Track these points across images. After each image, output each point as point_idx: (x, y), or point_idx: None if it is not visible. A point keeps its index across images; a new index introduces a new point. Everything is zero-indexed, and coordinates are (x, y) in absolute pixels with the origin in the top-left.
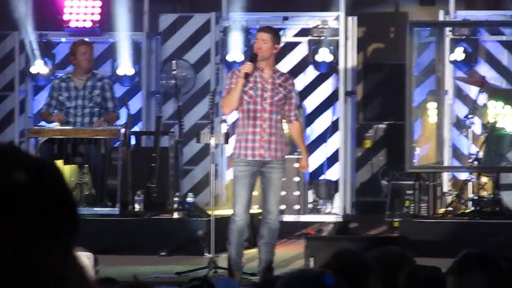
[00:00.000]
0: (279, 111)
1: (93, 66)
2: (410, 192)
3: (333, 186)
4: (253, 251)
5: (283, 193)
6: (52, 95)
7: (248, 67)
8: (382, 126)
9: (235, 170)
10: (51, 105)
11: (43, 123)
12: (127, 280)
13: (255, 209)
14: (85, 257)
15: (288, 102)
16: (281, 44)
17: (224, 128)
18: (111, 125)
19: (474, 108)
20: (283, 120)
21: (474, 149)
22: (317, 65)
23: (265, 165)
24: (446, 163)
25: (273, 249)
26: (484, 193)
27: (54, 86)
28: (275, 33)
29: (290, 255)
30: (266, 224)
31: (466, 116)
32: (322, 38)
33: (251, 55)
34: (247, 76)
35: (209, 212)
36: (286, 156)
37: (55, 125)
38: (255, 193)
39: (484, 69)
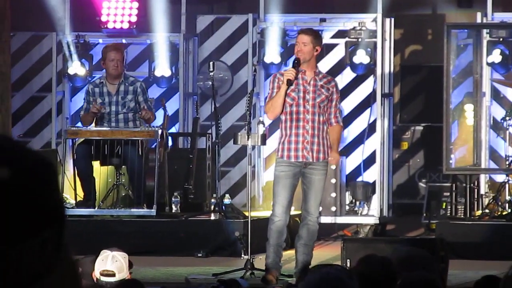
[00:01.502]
0: (322, 112)
1: (122, 71)
2: (447, 194)
3: (370, 188)
4: (290, 252)
5: None
6: (88, 100)
7: (291, 73)
8: (419, 128)
9: (276, 170)
10: (88, 109)
11: (80, 123)
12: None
13: (292, 211)
14: (121, 257)
15: (329, 104)
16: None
17: (261, 129)
18: (149, 124)
19: (511, 110)
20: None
21: (511, 151)
22: (354, 67)
23: (307, 166)
24: (483, 165)
25: (311, 251)
26: None
27: (88, 91)
28: (316, 35)
29: (327, 256)
30: (306, 225)
31: (503, 118)
32: (359, 40)
33: (293, 61)
34: (290, 82)
35: (246, 214)
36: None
37: (93, 126)
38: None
39: None
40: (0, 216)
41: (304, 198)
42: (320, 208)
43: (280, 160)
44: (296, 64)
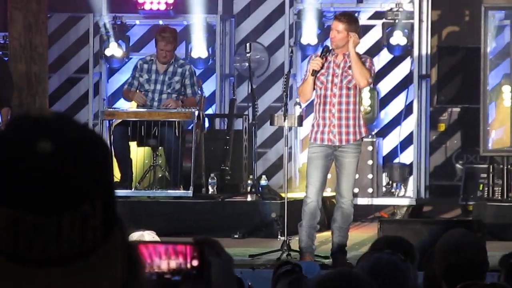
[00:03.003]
0: (350, 94)
1: (172, 57)
2: (484, 175)
3: (406, 169)
4: (326, 233)
5: (356, 176)
6: (134, 75)
7: (317, 63)
8: (456, 109)
9: (309, 152)
10: (133, 84)
11: (117, 104)
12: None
13: (328, 192)
14: (154, 234)
15: None
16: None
17: (298, 110)
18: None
19: None
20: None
21: None
22: (391, 48)
23: (337, 148)
24: None
25: (346, 233)
26: None
27: (137, 66)
28: (350, 21)
29: (363, 237)
30: (340, 208)
31: None
32: (396, 21)
33: (322, 49)
34: (315, 73)
35: (283, 195)
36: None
37: (129, 107)
38: (328, 175)
39: None
40: (40, 187)
41: (337, 181)
42: (357, 190)
43: (312, 142)
44: (325, 52)
